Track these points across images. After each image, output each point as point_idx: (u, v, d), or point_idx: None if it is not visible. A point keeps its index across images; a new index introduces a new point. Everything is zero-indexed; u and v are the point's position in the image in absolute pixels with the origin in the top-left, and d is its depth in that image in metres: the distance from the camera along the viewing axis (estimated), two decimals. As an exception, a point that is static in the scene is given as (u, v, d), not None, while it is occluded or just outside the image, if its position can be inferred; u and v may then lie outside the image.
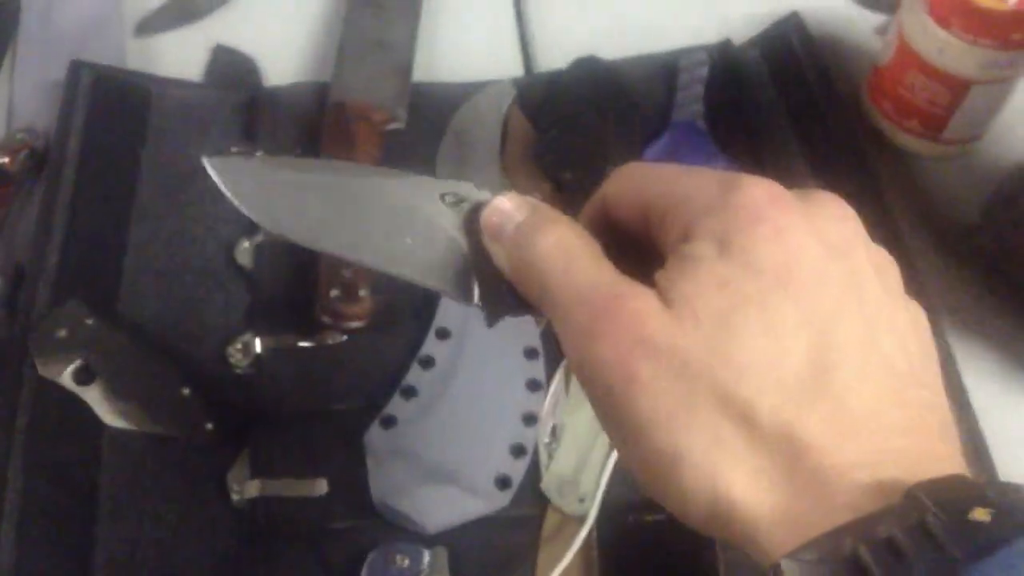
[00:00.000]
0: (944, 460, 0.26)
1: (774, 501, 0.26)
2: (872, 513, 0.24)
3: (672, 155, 0.64)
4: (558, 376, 0.58)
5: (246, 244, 0.63)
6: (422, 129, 0.69)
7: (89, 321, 0.57)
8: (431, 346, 0.59)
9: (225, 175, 0.34)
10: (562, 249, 0.30)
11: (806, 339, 0.26)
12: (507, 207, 0.33)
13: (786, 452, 0.26)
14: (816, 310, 0.27)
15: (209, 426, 0.56)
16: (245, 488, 0.54)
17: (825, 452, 0.25)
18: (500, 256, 0.32)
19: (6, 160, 0.66)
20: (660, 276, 0.29)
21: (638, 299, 0.28)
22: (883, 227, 0.61)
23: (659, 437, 0.27)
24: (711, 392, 0.26)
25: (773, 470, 0.26)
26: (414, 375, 0.58)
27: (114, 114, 0.68)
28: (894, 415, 0.26)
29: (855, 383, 0.26)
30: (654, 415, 0.27)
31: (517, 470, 0.55)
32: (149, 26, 0.76)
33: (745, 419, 0.26)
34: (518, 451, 0.55)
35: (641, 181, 0.32)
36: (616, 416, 0.28)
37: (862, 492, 0.25)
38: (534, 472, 0.55)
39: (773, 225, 0.27)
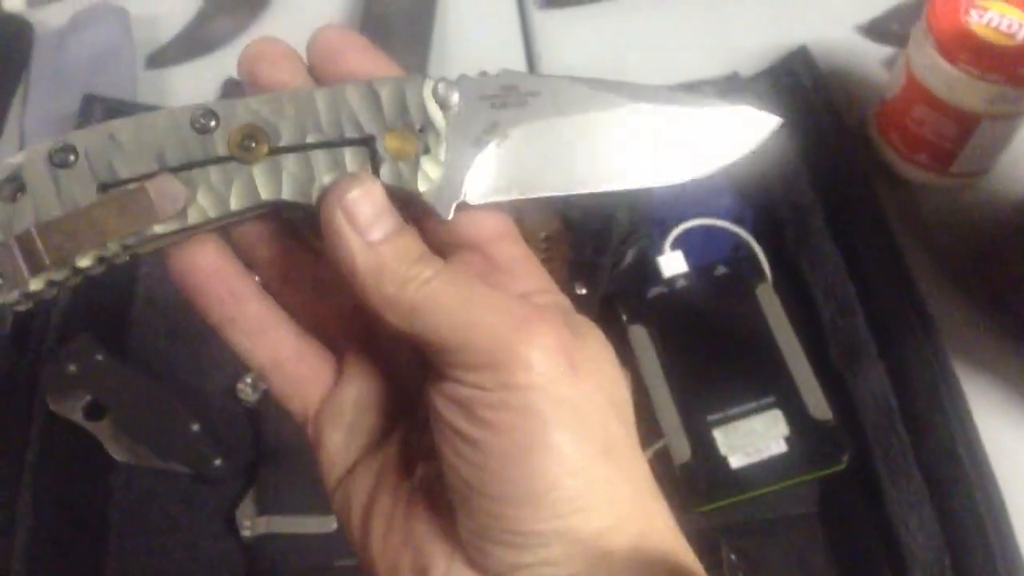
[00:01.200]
0: None
1: None
2: None
3: (678, 190, 0.64)
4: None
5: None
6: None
7: (99, 356, 0.58)
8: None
9: None
10: (455, 283, 0.29)
11: None
12: (366, 215, 0.29)
13: None
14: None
15: (218, 462, 0.56)
16: (254, 524, 0.54)
17: None
18: (354, 250, 0.28)
19: (18, 193, 0.66)
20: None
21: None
22: (889, 259, 0.61)
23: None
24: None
25: None
26: (422, 410, 0.58)
27: (125, 147, 0.68)
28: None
29: None
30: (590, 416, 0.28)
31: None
32: (161, 59, 0.77)
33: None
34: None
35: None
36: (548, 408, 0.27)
37: None
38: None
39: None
